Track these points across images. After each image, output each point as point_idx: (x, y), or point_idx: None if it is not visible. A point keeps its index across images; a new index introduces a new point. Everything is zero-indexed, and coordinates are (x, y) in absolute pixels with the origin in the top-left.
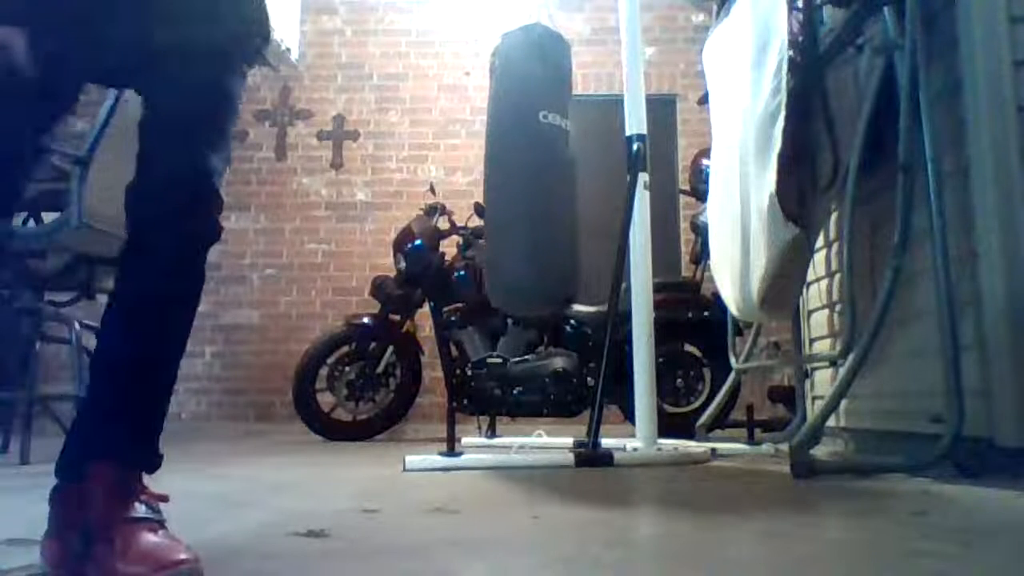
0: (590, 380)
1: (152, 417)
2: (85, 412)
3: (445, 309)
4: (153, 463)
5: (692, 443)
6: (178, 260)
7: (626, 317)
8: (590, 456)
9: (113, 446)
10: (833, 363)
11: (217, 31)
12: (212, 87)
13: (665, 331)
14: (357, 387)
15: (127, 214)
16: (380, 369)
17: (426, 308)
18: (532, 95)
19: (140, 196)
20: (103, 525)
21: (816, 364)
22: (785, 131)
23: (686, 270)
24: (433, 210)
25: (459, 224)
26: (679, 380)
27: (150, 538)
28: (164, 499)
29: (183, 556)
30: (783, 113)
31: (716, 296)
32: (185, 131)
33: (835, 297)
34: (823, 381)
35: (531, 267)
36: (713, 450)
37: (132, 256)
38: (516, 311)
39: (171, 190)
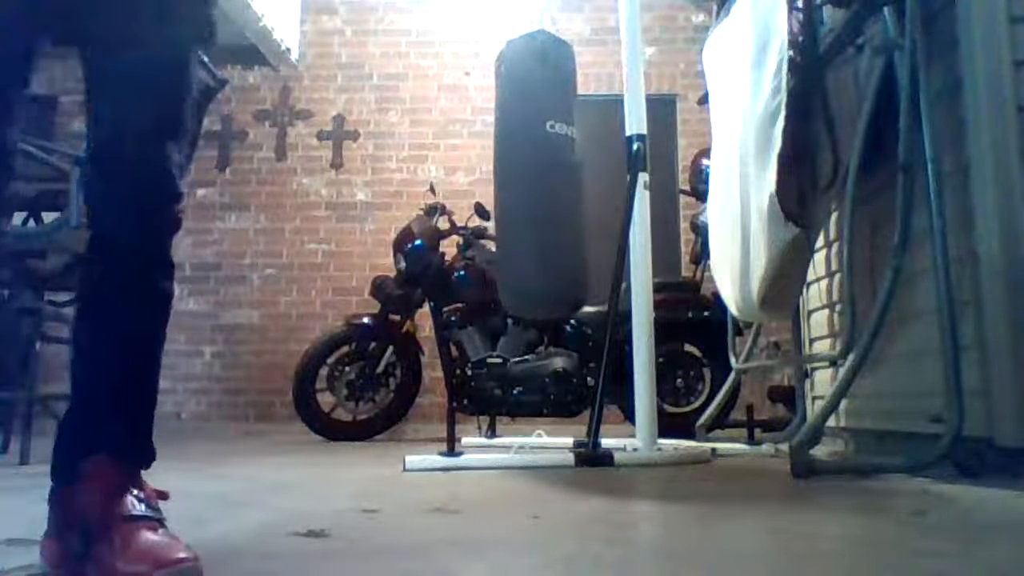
0: (590, 380)
1: (141, 410)
2: (74, 412)
3: (445, 309)
4: (147, 457)
5: (692, 443)
6: (143, 256)
7: (626, 317)
8: (590, 456)
9: (106, 442)
10: (833, 363)
11: (177, 21)
12: (171, 74)
13: (665, 331)
14: (357, 387)
15: (88, 210)
16: (380, 369)
17: (426, 308)
18: (538, 105)
19: (100, 195)
20: (102, 524)
21: (816, 364)
22: (785, 131)
23: (686, 270)
24: (433, 210)
25: (459, 224)
26: (679, 380)
27: (150, 536)
28: (165, 496)
29: (183, 555)
30: (783, 113)
31: (716, 296)
32: (145, 124)
33: (835, 297)
34: (823, 381)
35: (541, 272)
36: (713, 450)
37: (98, 253)
38: (527, 315)
39: (130, 189)
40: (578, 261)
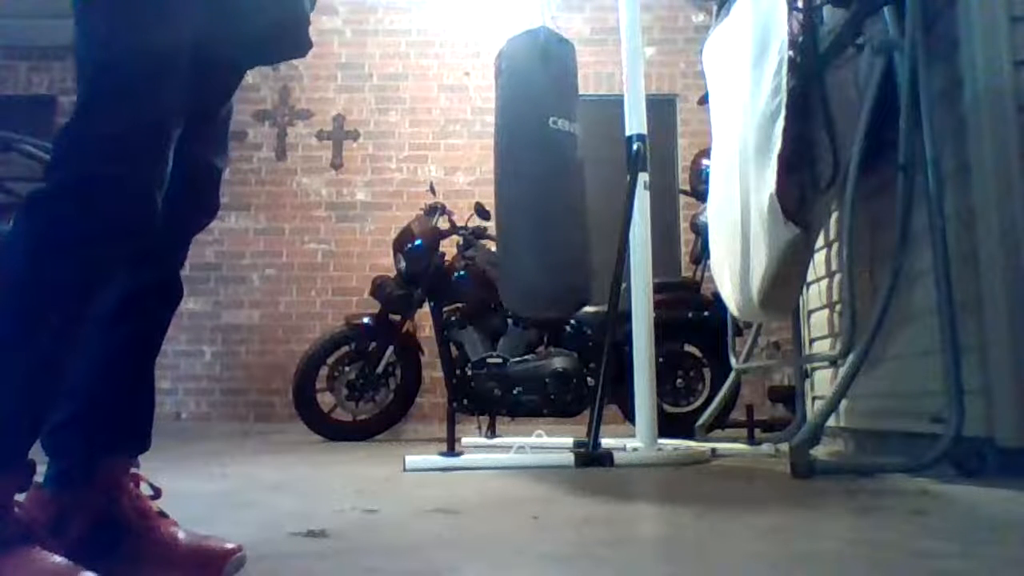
0: (590, 380)
1: (150, 403)
2: (86, 414)
3: (445, 309)
4: (146, 445)
5: (692, 443)
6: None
7: (626, 317)
8: (590, 456)
9: (124, 441)
10: (833, 363)
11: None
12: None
13: (665, 331)
14: (357, 387)
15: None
16: (380, 369)
17: (426, 308)
18: (540, 101)
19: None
20: (143, 524)
21: (816, 364)
22: (785, 131)
23: (686, 270)
24: (433, 210)
25: (459, 224)
26: (679, 380)
27: (180, 531)
28: (157, 494)
29: (230, 545)
30: (783, 113)
31: (716, 296)
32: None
33: (835, 297)
34: (823, 381)
35: (544, 271)
36: (713, 450)
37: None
38: (529, 314)
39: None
40: (581, 259)
